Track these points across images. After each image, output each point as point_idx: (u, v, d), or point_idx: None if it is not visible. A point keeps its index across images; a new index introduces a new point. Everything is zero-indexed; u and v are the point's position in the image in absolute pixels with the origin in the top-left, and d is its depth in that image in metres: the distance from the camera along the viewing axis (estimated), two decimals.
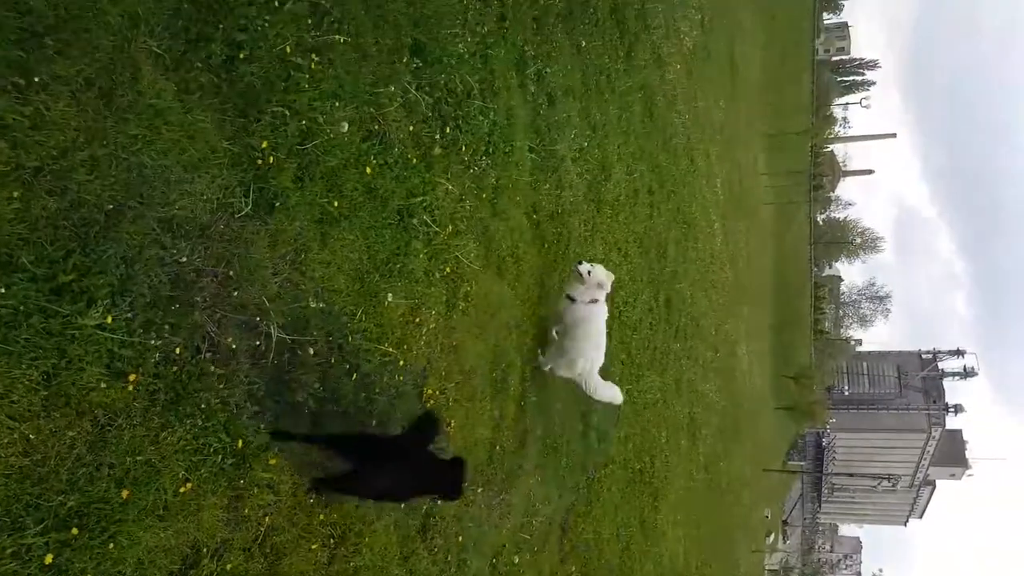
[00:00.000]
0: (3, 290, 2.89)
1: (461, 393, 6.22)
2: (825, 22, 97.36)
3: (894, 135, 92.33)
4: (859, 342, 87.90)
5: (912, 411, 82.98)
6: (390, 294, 5.28)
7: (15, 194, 2.91)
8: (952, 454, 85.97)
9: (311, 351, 4.51)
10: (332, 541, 4.67)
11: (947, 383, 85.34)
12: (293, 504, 4.36)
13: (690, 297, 15.62)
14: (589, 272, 7.15)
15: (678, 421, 14.33)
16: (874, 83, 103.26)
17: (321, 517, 4.57)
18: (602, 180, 10.09)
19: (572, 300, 7.29)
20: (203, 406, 3.73)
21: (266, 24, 4.18)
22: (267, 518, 4.15)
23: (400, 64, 5.45)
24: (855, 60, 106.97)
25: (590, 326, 7.37)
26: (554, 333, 7.70)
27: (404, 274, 5.46)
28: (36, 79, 2.97)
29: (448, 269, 6.07)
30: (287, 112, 4.29)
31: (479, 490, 6.44)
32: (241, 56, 3.99)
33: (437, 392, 5.86)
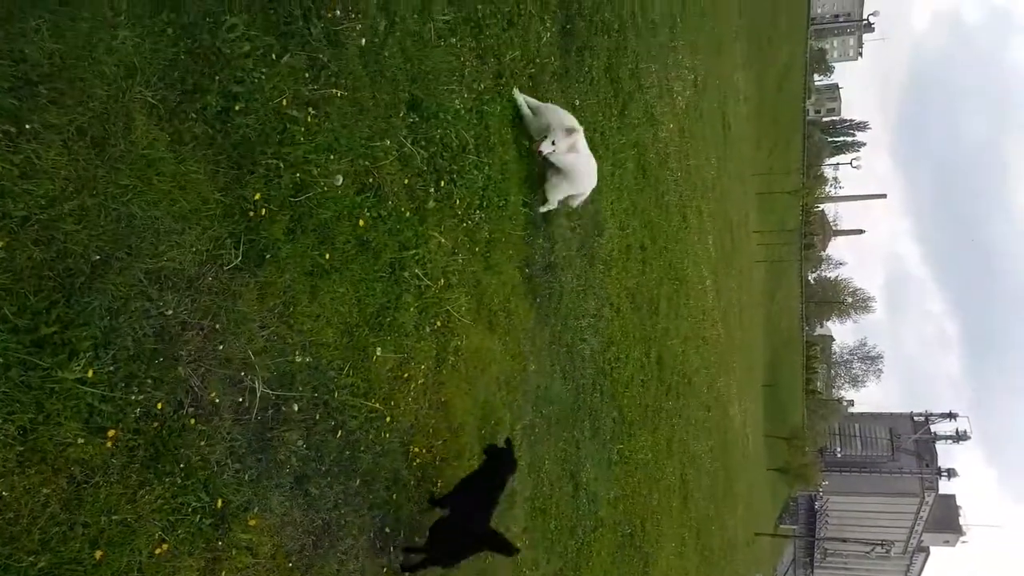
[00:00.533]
0: None
1: (448, 451, 6.10)
2: (816, 83, 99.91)
3: (884, 196, 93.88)
4: (851, 403, 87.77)
5: (905, 475, 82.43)
6: (379, 348, 5.21)
7: (0, 244, 2.86)
8: (946, 520, 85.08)
9: (295, 407, 4.41)
10: None
11: (940, 446, 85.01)
12: (272, 567, 4.21)
13: (682, 354, 15.57)
14: (553, 147, 7.30)
15: (669, 483, 14.11)
16: (864, 144, 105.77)
17: None
18: (595, 235, 10.13)
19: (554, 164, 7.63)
20: (183, 464, 3.62)
21: (263, 76, 4.18)
22: None
23: (396, 118, 5.47)
24: (845, 121, 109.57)
25: (578, 165, 7.81)
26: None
27: (394, 328, 5.39)
28: (28, 127, 2.94)
29: (439, 323, 6.01)
30: (281, 164, 4.26)
31: None
32: (236, 108, 3.98)
33: (424, 450, 5.74)
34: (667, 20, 15.40)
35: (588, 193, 8.44)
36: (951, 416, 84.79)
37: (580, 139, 7.52)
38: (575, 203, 8.57)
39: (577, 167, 7.77)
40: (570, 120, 7.36)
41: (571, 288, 9.17)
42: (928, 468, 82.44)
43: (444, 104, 6.09)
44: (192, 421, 3.67)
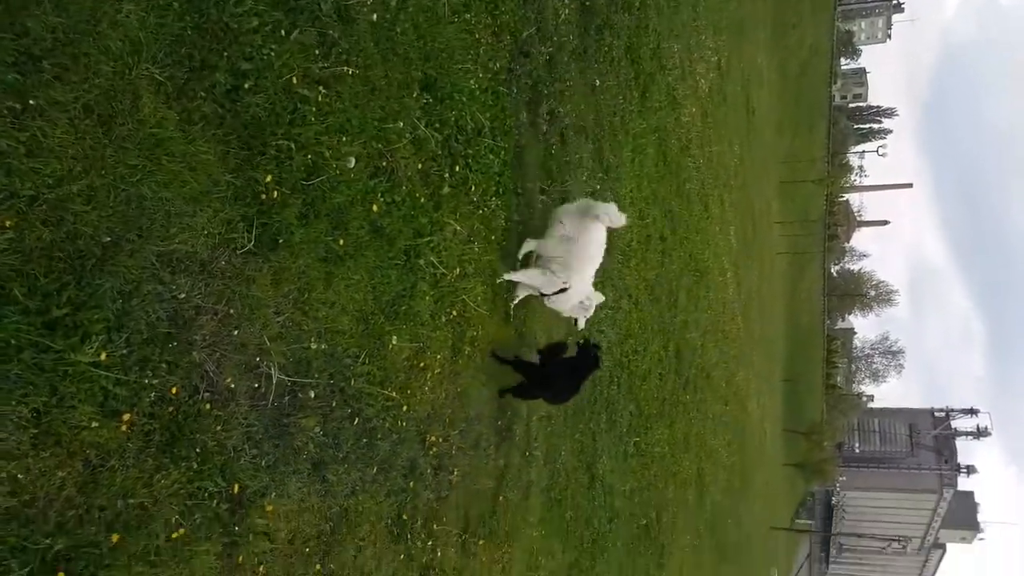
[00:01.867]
0: None
1: (465, 441, 6.05)
2: (842, 68, 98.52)
3: (910, 185, 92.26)
4: (871, 398, 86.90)
5: (924, 471, 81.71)
6: (395, 337, 5.16)
7: (8, 223, 2.81)
8: (963, 516, 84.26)
9: (312, 394, 4.37)
10: None
11: (959, 443, 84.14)
12: (289, 552, 4.19)
13: (701, 347, 15.43)
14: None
15: (686, 476, 14.02)
16: (891, 131, 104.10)
17: (318, 567, 4.39)
18: None
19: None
20: (199, 449, 3.59)
21: (272, 53, 4.09)
22: (262, 567, 3.97)
23: (410, 99, 5.38)
24: (872, 107, 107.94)
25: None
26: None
27: (409, 316, 5.34)
28: (32, 103, 2.88)
29: (455, 312, 5.94)
30: (292, 146, 4.19)
31: (481, 543, 6.21)
32: (246, 86, 3.90)
33: (440, 439, 5.69)
34: None
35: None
36: (972, 412, 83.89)
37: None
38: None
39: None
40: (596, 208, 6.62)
41: None
42: (947, 464, 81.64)
43: (459, 84, 5.99)
44: (208, 406, 3.64)
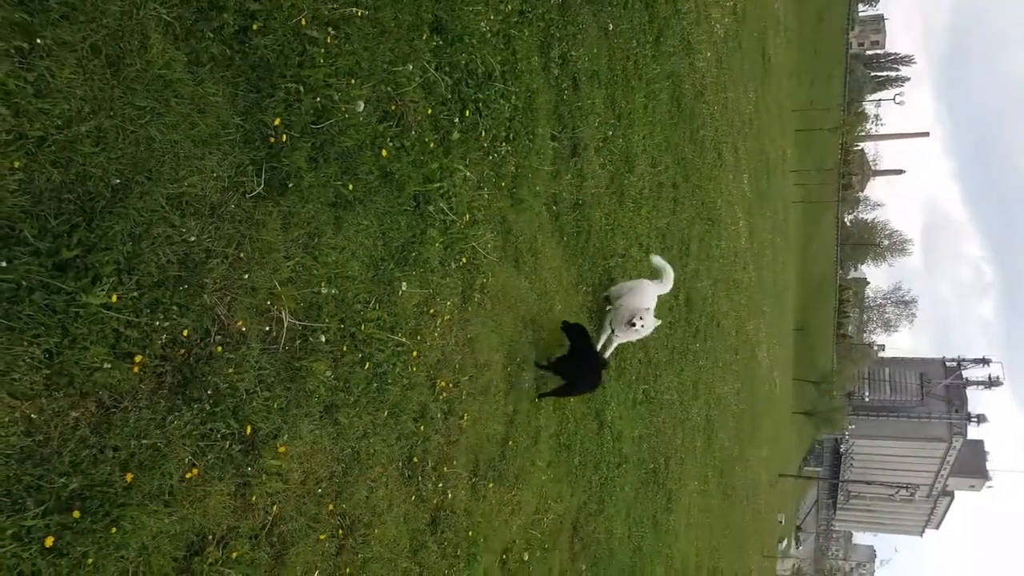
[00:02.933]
0: (4, 264, 2.79)
1: (475, 387, 6.11)
2: (860, 14, 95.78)
3: (927, 134, 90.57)
4: (882, 347, 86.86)
5: (933, 420, 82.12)
6: (404, 283, 5.17)
7: (17, 164, 2.81)
8: (972, 465, 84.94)
9: (323, 338, 4.40)
10: (341, 532, 4.58)
11: (970, 392, 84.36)
12: (302, 493, 4.27)
13: (711, 296, 15.40)
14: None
15: (694, 423, 14.14)
16: (908, 79, 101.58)
17: (330, 507, 4.48)
18: (625, 172, 9.91)
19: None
20: (211, 391, 3.64)
21: None
22: (275, 507, 4.06)
23: (420, 42, 5.28)
24: (890, 55, 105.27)
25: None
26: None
27: (419, 263, 5.34)
28: (40, 42, 2.85)
29: (464, 260, 5.94)
30: (301, 88, 4.14)
31: (490, 485, 6.32)
32: (254, 27, 3.84)
33: (451, 385, 5.74)
34: None
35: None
36: (984, 362, 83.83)
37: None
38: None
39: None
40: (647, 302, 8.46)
41: (599, 227, 9.01)
42: (957, 413, 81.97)
43: (469, 27, 5.86)
44: (219, 349, 3.67)
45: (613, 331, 8.61)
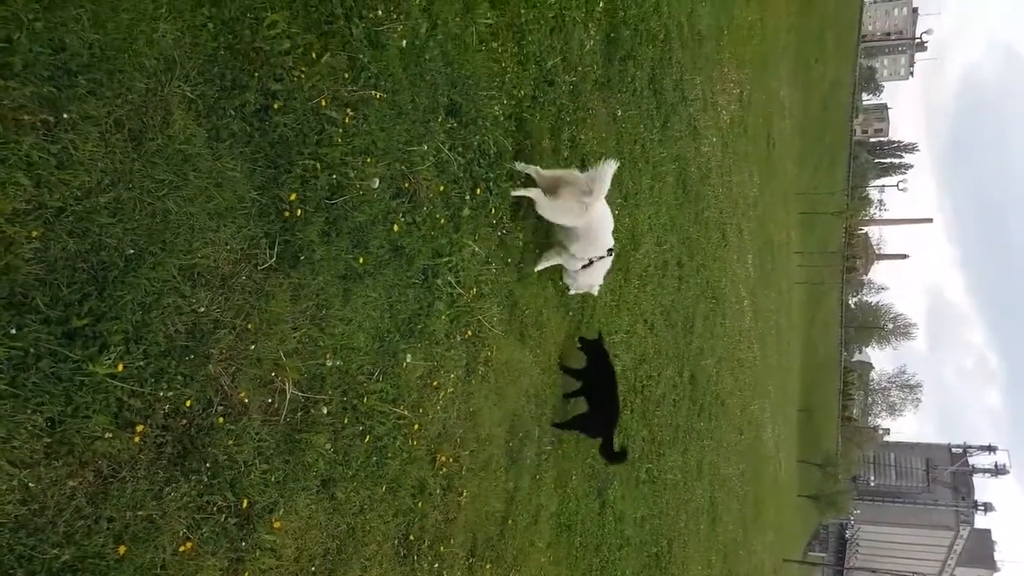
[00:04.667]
0: (15, 331, 2.81)
1: (475, 462, 6.02)
2: (864, 103, 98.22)
3: (930, 220, 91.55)
4: (887, 431, 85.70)
5: (940, 507, 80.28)
6: (409, 355, 5.16)
7: (35, 233, 2.86)
8: (980, 554, 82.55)
9: (324, 410, 4.37)
10: None
11: (977, 480, 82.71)
12: (295, 570, 4.17)
13: (716, 375, 15.30)
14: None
15: (698, 504, 13.85)
16: (912, 166, 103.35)
17: None
18: (631, 249, 10.01)
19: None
20: (210, 462, 3.60)
21: (302, 75, 4.15)
22: None
23: (435, 123, 5.43)
24: (893, 142, 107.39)
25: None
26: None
27: (425, 335, 5.34)
28: (66, 116, 2.93)
29: (470, 332, 5.95)
30: (318, 165, 4.24)
31: (487, 567, 6.16)
32: (275, 106, 3.96)
33: (451, 459, 5.67)
34: (714, 32, 15.18)
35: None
36: (990, 449, 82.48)
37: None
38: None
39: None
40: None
41: (604, 303, 9.05)
42: (964, 501, 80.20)
43: (483, 110, 6.03)
44: (221, 420, 3.65)
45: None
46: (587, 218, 6.61)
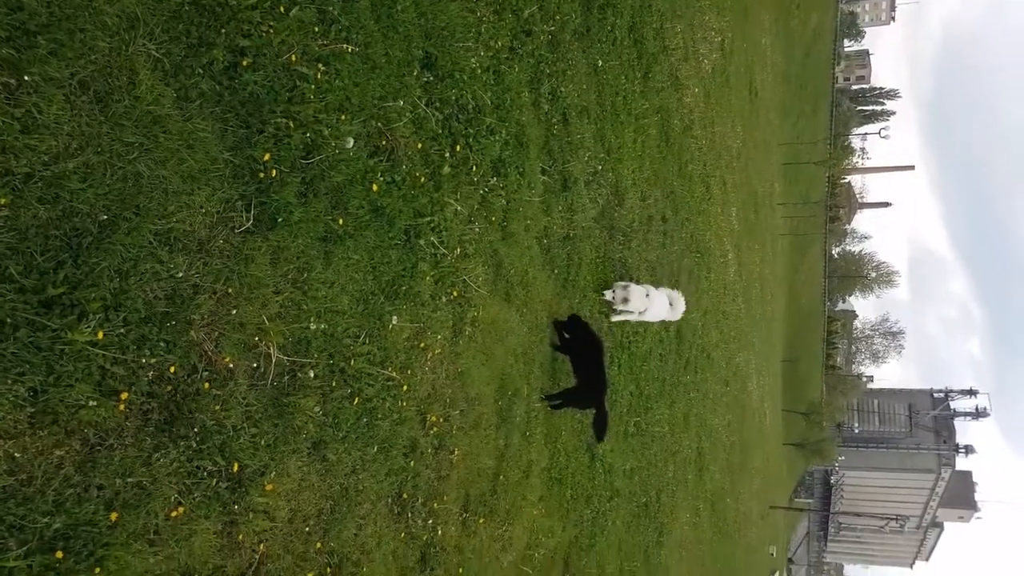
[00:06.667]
0: None
1: (465, 421, 6.05)
2: (846, 49, 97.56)
3: (912, 167, 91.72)
4: (870, 379, 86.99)
5: (922, 451, 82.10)
6: (394, 317, 5.14)
7: (3, 201, 2.79)
8: (961, 496, 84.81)
9: (311, 373, 4.36)
10: (329, 570, 4.50)
11: (958, 423, 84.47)
12: (289, 531, 4.20)
13: (701, 328, 15.42)
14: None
15: (685, 455, 14.06)
16: (894, 113, 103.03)
17: (318, 545, 4.40)
18: (615, 205, 9.97)
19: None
20: (198, 428, 3.59)
21: (271, 31, 4.04)
22: (262, 545, 3.99)
23: (410, 77, 5.32)
24: (875, 89, 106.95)
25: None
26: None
27: (410, 297, 5.31)
28: (27, 79, 2.84)
29: (455, 293, 5.92)
30: (291, 124, 4.15)
31: (481, 521, 6.24)
32: (244, 64, 3.86)
33: (441, 419, 5.69)
34: None
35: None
36: (971, 393, 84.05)
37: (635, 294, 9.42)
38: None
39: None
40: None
41: (590, 260, 9.03)
42: (945, 444, 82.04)
43: (460, 63, 5.91)
44: (206, 385, 3.63)
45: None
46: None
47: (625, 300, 9.33)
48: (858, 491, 79.56)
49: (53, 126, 2.93)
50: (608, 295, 9.33)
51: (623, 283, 9.46)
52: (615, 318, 9.85)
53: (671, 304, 10.63)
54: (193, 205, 3.54)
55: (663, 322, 12.31)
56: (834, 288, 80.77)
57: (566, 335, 7.81)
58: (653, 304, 9.86)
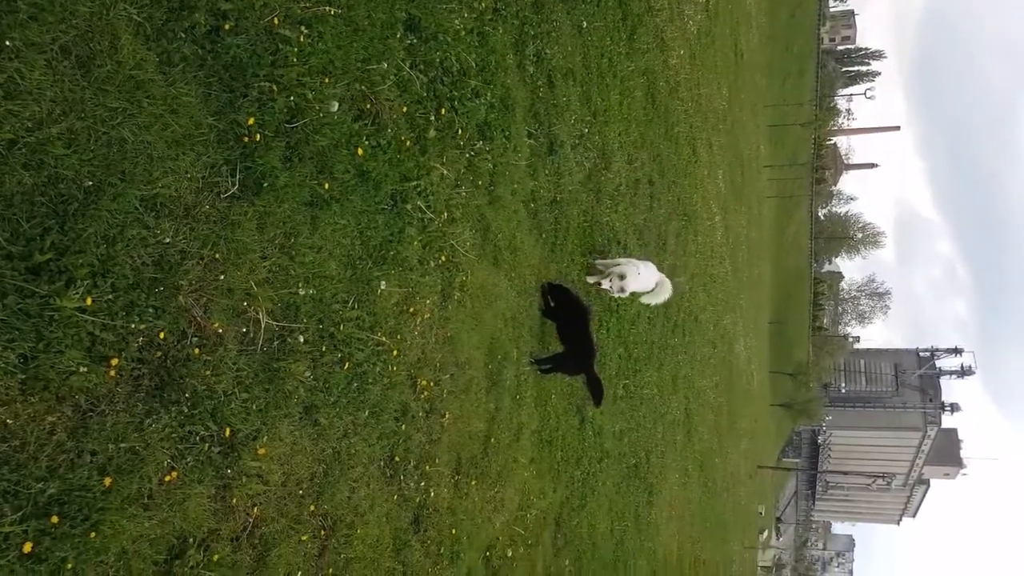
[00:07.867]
0: None
1: (456, 385, 6.11)
2: (831, 9, 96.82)
3: (898, 128, 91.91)
4: (857, 339, 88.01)
5: (908, 409, 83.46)
6: (383, 282, 5.15)
7: None
8: (947, 453, 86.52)
9: (301, 339, 4.38)
10: (323, 533, 4.57)
11: (944, 382, 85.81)
12: (283, 494, 4.25)
13: (689, 291, 15.53)
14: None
15: (674, 417, 14.26)
16: (879, 74, 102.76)
17: (312, 508, 4.46)
18: (602, 168, 9.96)
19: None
20: (189, 393, 3.61)
21: None
22: (256, 508, 4.04)
23: (393, 40, 5.26)
24: (861, 50, 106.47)
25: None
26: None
27: (398, 262, 5.33)
28: (8, 44, 2.80)
29: (443, 258, 5.94)
30: (275, 87, 4.11)
31: (473, 483, 6.34)
32: (226, 27, 3.81)
33: (432, 383, 5.75)
34: None
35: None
36: (957, 351, 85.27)
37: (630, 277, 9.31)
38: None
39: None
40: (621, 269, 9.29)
41: (577, 224, 9.05)
42: (931, 403, 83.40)
43: (443, 24, 5.85)
44: (196, 351, 3.64)
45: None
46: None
47: (622, 291, 9.32)
48: (845, 450, 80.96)
49: (35, 92, 2.90)
50: (605, 284, 9.20)
51: (619, 270, 9.27)
52: (590, 278, 9.80)
53: (657, 285, 10.44)
54: (178, 170, 3.52)
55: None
56: (820, 250, 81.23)
57: (551, 303, 7.80)
58: (644, 279, 9.78)
